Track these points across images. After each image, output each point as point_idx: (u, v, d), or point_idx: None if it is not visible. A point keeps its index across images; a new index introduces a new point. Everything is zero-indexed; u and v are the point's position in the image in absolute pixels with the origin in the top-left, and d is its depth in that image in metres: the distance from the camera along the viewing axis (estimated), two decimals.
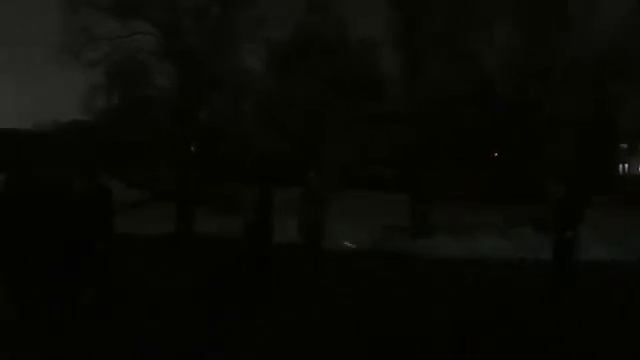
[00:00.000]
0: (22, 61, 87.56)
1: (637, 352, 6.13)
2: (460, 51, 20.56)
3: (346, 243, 12.54)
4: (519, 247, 11.93)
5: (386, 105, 25.89)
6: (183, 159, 23.94)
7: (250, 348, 6.03)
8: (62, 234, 6.75)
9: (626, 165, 25.30)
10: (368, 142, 26.93)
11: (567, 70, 19.49)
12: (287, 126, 26.07)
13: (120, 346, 5.94)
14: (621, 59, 20.63)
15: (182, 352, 5.89)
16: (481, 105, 21.71)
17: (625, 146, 24.27)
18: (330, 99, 25.64)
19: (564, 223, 7.90)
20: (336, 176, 24.11)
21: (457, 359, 5.88)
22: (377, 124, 26.53)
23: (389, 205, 16.53)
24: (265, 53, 26.97)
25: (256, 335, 6.44)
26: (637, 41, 20.42)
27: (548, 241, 8.15)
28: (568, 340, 6.35)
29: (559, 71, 19.53)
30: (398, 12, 20.73)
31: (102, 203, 6.85)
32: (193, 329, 6.61)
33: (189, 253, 12.45)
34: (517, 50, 21.58)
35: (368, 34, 27.56)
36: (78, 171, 7.10)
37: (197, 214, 16.15)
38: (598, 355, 5.96)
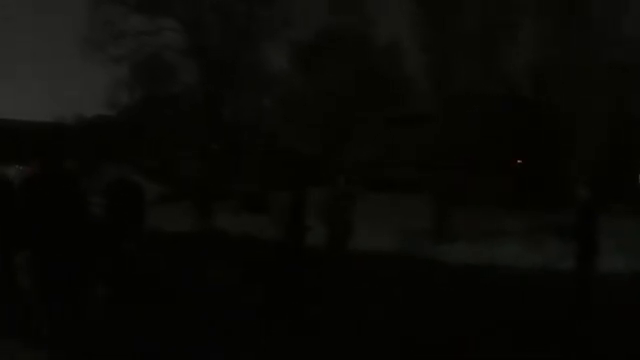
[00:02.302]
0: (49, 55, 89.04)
1: None
2: (485, 53, 20.44)
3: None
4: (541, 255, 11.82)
5: (411, 106, 25.83)
6: (206, 156, 24.11)
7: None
8: (92, 231, 6.66)
9: None
10: (393, 143, 26.91)
11: (593, 75, 19.26)
12: (311, 126, 26.07)
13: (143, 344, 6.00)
14: None
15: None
16: (505, 108, 21.55)
17: None
18: (355, 100, 25.62)
19: (588, 229, 7.85)
20: (361, 177, 24.15)
21: None
22: (402, 125, 26.50)
23: (413, 208, 16.48)
24: (290, 52, 27.05)
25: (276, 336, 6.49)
26: None
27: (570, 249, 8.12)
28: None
29: (585, 77, 19.29)
30: (423, 12, 20.65)
31: (133, 201, 6.87)
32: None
33: (213, 250, 12.54)
34: (542, 53, 21.34)
35: (394, 35, 27.40)
36: (109, 165, 7.13)
37: (220, 211, 16.24)
38: None
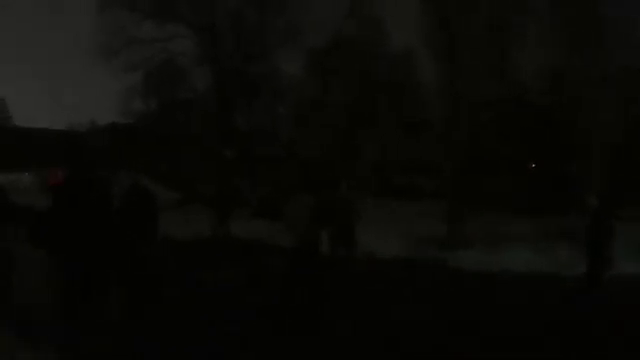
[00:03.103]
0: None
1: None
2: (497, 57, 20.37)
3: None
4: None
5: (423, 112, 25.80)
6: (220, 162, 24.19)
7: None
8: (104, 237, 6.67)
9: None
10: (405, 149, 26.89)
11: (606, 79, 19.10)
12: (324, 132, 26.10)
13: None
14: None
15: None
16: (517, 112, 21.48)
17: None
18: (367, 106, 25.64)
19: (599, 235, 7.86)
20: (370, 183, 24.17)
21: None
22: (414, 131, 26.50)
23: (424, 213, 16.49)
24: (302, 58, 27.08)
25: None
26: None
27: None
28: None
29: (598, 80, 19.14)
30: (433, 16, 20.61)
31: (145, 207, 6.95)
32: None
33: (226, 256, 12.61)
34: (555, 56, 21.20)
35: (406, 40, 27.38)
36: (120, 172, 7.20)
37: (234, 217, 16.36)
38: None
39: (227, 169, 23.49)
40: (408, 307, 8.42)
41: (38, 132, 48.65)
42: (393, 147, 27.16)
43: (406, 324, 7.40)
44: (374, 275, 10.69)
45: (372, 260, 11.79)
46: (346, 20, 27.00)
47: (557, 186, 19.08)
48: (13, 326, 6.41)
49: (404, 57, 27.20)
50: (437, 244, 13.62)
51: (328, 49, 26.72)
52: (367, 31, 26.68)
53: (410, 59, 26.99)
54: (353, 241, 9.83)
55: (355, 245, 9.92)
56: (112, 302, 6.83)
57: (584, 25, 19.90)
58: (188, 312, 7.64)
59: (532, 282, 10.62)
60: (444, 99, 18.67)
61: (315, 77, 27.74)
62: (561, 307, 8.30)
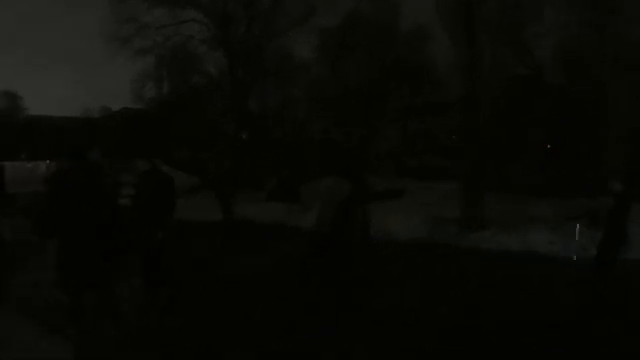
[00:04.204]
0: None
1: None
2: (514, 37, 20.08)
3: None
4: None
5: (437, 93, 25.61)
6: (235, 146, 24.18)
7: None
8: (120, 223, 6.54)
9: None
10: (421, 131, 26.76)
11: (624, 59, 18.70)
12: (338, 115, 25.95)
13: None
14: None
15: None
16: (534, 93, 21.18)
17: None
18: (381, 87, 25.46)
19: (619, 219, 7.75)
20: (386, 164, 24.07)
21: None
22: (428, 112, 26.35)
23: (443, 195, 16.39)
24: (315, 40, 26.85)
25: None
26: None
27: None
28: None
29: (615, 60, 18.74)
30: None
31: (163, 192, 6.93)
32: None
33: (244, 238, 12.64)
34: (571, 36, 20.80)
35: (421, 19, 27.00)
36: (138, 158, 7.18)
37: (250, 201, 16.39)
38: None
39: (243, 152, 23.48)
40: (425, 288, 8.40)
41: (52, 120, 48.85)
42: (411, 129, 27.08)
43: (425, 306, 7.38)
44: (391, 257, 10.66)
45: (388, 241, 11.75)
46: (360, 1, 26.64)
47: (578, 168, 18.79)
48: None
49: (420, 37, 26.87)
50: (453, 224, 13.54)
51: (342, 31, 26.40)
52: (382, 11, 26.34)
53: (426, 39, 26.69)
54: (368, 224, 9.74)
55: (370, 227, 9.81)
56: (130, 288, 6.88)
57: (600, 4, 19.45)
58: (203, 296, 7.67)
59: (549, 263, 10.54)
60: (461, 80, 18.40)
61: (329, 59, 27.43)
62: (578, 289, 8.23)
